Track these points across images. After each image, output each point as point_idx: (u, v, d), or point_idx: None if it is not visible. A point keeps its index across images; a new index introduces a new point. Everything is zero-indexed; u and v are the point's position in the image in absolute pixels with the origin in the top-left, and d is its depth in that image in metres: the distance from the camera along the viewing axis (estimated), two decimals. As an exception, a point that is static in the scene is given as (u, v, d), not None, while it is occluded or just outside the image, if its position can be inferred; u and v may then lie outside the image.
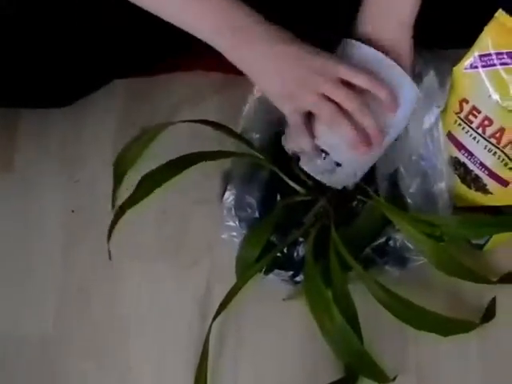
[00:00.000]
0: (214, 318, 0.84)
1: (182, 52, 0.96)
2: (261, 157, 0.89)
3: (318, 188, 0.89)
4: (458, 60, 0.82)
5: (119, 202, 0.90)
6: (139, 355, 0.89)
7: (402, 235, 0.86)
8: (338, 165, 0.82)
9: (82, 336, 0.90)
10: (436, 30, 0.89)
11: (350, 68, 0.77)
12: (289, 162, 0.89)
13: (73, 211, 0.94)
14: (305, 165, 0.83)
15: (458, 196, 0.87)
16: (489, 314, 0.88)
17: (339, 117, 0.76)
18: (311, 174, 0.83)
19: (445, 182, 0.86)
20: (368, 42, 0.80)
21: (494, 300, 0.88)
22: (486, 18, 0.79)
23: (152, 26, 0.90)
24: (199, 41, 0.83)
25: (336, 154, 0.81)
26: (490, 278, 0.88)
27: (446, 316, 0.84)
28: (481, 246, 0.90)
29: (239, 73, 0.97)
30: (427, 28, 0.86)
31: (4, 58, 0.86)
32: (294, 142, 0.83)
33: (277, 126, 0.91)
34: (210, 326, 0.84)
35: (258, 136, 0.90)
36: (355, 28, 0.81)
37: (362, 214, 0.87)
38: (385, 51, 0.79)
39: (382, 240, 0.87)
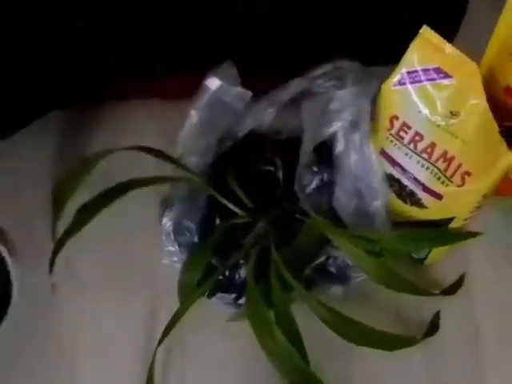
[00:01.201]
0: (159, 344, 0.84)
1: (117, 82, 0.96)
2: (198, 180, 0.89)
3: (257, 209, 0.89)
4: (383, 77, 0.82)
5: (58, 234, 0.89)
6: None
7: (342, 253, 0.86)
8: None
9: (27, 366, 0.89)
10: (362, 46, 0.90)
11: None
12: (227, 185, 0.89)
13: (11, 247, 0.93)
14: None
15: (394, 212, 0.88)
16: (433, 327, 0.88)
17: None
18: None
19: (380, 200, 0.86)
20: None
21: (438, 314, 0.89)
22: (411, 34, 0.80)
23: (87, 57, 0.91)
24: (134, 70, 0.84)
25: None
26: (432, 291, 0.89)
27: (388, 332, 0.84)
28: (421, 260, 0.91)
29: (177, 98, 0.98)
30: (354, 44, 0.88)
31: None
32: None
33: (215, 148, 0.92)
34: (155, 352, 0.84)
35: (195, 159, 0.89)
36: None
37: (301, 233, 0.87)
38: None
39: (323, 259, 0.87)
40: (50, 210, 0.90)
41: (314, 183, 0.88)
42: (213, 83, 0.87)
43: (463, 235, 0.88)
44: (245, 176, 0.91)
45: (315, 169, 0.89)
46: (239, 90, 0.88)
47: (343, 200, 0.86)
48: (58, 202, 0.90)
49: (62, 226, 0.88)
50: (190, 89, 0.90)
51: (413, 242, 0.86)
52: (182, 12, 0.89)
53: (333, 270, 0.87)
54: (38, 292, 0.90)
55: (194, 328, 0.88)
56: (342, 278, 0.88)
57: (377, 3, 0.91)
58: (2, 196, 0.96)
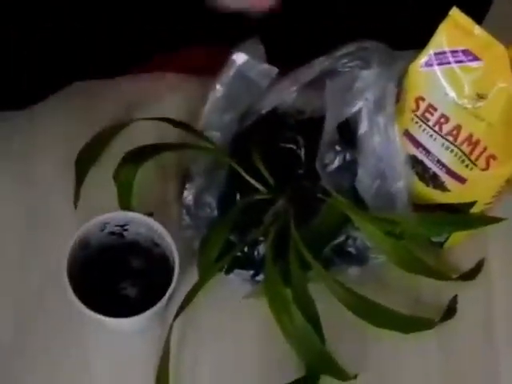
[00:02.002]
0: (175, 318, 0.83)
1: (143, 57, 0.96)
2: (221, 152, 0.88)
3: (278, 187, 0.89)
4: (409, 59, 0.82)
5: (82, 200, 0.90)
6: (97, 353, 0.88)
7: (362, 234, 0.86)
8: None
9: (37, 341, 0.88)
10: (390, 29, 0.89)
11: None
12: (250, 160, 0.89)
13: (32, 213, 0.93)
14: None
15: (416, 194, 0.87)
16: (450, 311, 0.88)
17: None
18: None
19: (403, 181, 0.85)
20: None
21: (455, 298, 0.89)
22: (437, 19, 0.79)
23: (113, 32, 0.90)
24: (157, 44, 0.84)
25: None
26: (451, 276, 0.88)
27: (406, 314, 0.84)
28: (441, 244, 0.91)
29: (196, 73, 0.98)
30: (381, 27, 0.87)
31: None
32: None
33: (237, 124, 0.92)
34: (171, 327, 0.83)
35: (218, 134, 0.89)
36: None
37: (321, 212, 0.87)
38: None
39: (342, 239, 0.87)
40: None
41: (336, 162, 0.88)
42: (239, 58, 0.87)
43: (484, 220, 0.88)
44: (266, 153, 0.90)
45: (338, 148, 0.88)
46: (265, 66, 0.88)
47: (365, 181, 0.86)
48: (80, 171, 0.90)
49: (85, 192, 0.90)
50: (213, 63, 0.90)
51: (433, 225, 0.86)
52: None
53: (352, 250, 0.87)
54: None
55: (210, 304, 0.88)
56: (360, 259, 0.87)
57: None
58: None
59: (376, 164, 0.85)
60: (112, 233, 0.86)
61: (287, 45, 0.92)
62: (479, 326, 0.89)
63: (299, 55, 0.88)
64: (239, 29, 0.89)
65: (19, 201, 0.94)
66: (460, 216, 0.86)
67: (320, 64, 0.87)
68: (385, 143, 0.84)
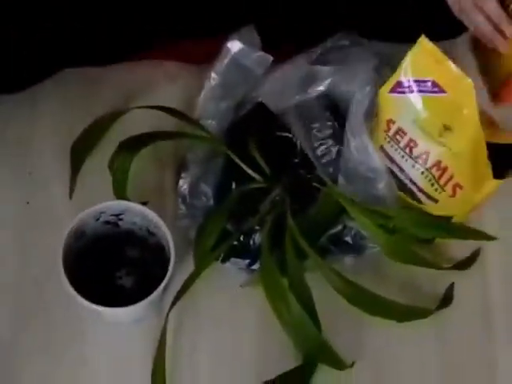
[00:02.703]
0: (171, 307, 0.83)
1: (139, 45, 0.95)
2: (217, 141, 0.88)
3: (274, 175, 0.89)
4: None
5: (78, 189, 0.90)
6: (94, 343, 0.87)
7: (357, 224, 0.86)
8: None
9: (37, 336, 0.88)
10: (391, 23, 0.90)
11: None
12: (245, 149, 0.89)
13: (28, 203, 0.93)
14: None
15: (399, 198, 0.88)
16: (446, 300, 0.88)
17: None
18: None
19: (383, 182, 0.85)
20: None
21: (452, 286, 0.89)
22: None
23: (110, 17, 0.90)
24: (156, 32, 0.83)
25: None
26: (445, 265, 0.88)
27: (401, 303, 0.84)
28: (430, 241, 0.91)
29: (193, 62, 0.97)
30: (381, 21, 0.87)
31: None
32: None
33: (233, 112, 0.91)
34: (167, 315, 0.83)
35: (213, 123, 0.89)
36: None
37: (317, 201, 0.87)
38: None
39: (338, 228, 0.87)
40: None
41: (333, 154, 0.87)
42: (234, 46, 0.87)
43: (467, 232, 0.88)
44: (262, 142, 0.90)
45: (331, 142, 0.88)
46: (260, 54, 0.88)
47: (348, 186, 0.86)
48: (76, 159, 0.90)
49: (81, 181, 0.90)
50: (211, 53, 0.89)
51: (420, 227, 0.86)
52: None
53: (348, 240, 0.87)
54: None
55: (206, 293, 0.88)
56: (357, 248, 0.87)
57: None
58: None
59: (356, 167, 0.85)
60: (107, 222, 0.85)
61: (282, 34, 0.92)
62: (476, 315, 0.89)
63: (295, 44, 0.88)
64: (235, 17, 0.89)
65: (15, 190, 0.93)
66: (444, 224, 0.88)
67: (314, 53, 0.88)
68: (360, 147, 0.84)
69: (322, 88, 0.89)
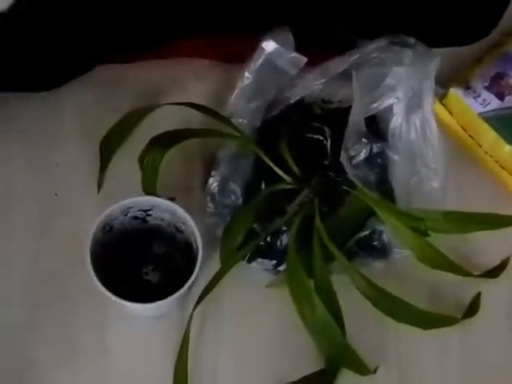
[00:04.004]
0: (196, 305, 0.83)
1: (167, 40, 0.95)
2: (247, 140, 0.88)
3: (303, 177, 0.89)
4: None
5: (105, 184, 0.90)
6: (115, 336, 0.87)
7: (386, 227, 0.85)
8: None
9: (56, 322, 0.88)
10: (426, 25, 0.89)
11: None
12: (276, 149, 0.89)
13: (56, 194, 0.93)
14: None
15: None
16: (472, 308, 0.87)
17: None
18: None
19: (438, 181, 0.85)
20: None
21: (479, 295, 0.88)
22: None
23: (138, 13, 0.89)
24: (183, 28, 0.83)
25: None
26: (474, 273, 0.88)
27: (427, 310, 0.84)
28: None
29: (223, 60, 0.97)
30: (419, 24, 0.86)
31: None
32: None
33: (264, 112, 0.91)
34: (192, 313, 0.83)
35: (244, 122, 0.89)
36: None
37: (346, 204, 0.87)
38: None
39: (366, 232, 0.86)
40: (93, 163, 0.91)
41: (363, 154, 0.87)
42: (268, 46, 0.87)
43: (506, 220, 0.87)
44: (293, 143, 0.90)
45: (364, 140, 0.87)
46: (294, 55, 0.87)
47: (401, 177, 0.86)
48: (105, 155, 0.90)
49: (110, 175, 0.91)
50: (240, 50, 0.89)
51: (460, 223, 0.85)
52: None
53: (376, 244, 0.87)
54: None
55: (230, 292, 0.88)
56: (384, 252, 0.87)
57: None
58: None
59: (412, 161, 0.85)
60: (135, 217, 0.85)
61: (318, 34, 0.91)
62: (502, 324, 0.89)
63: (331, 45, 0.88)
64: (267, 16, 0.89)
65: (43, 184, 0.93)
66: (488, 215, 0.86)
67: (351, 56, 0.87)
68: (421, 141, 0.84)
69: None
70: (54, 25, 0.88)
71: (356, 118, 0.87)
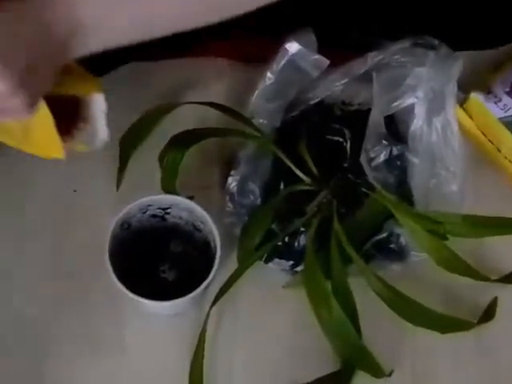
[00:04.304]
0: (213, 304, 0.84)
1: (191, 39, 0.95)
2: (267, 141, 0.88)
3: (322, 178, 0.89)
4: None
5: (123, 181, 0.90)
6: (134, 347, 0.87)
7: (404, 230, 0.85)
8: None
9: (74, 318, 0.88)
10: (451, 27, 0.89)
11: None
12: (295, 150, 0.89)
13: (75, 191, 0.93)
14: None
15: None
16: (489, 313, 0.87)
17: None
18: None
19: (457, 185, 0.85)
20: None
21: (495, 300, 0.88)
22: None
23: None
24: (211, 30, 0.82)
25: None
26: (491, 277, 0.88)
27: (444, 313, 0.84)
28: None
29: (246, 60, 0.97)
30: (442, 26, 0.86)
31: None
32: None
33: (284, 113, 0.91)
34: (209, 312, 0.84)
35: (265, 122, 0.89)
36: None
37: (364, 207, 0.87)
38: None
39: (384, 235, 0.86)
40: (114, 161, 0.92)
41: (382, 156, 0.87)
42: (292, 47, 0.87)
43: None
44: (312, 144, 0.90)
45: (384, 142, 0.87)
46: (317, 56, 0.87)
47: (420, 179, 0.86)
48: (125, 151, 0.90)
49: (129, 173, 0.91)
50: (262, 51, 0.89)
51: (478, 227, 0.85)
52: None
53: (393, 246, 0.87)
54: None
55: (247, 292, 0.88)
56: (401, 255, 0.87)
57: None
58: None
59: (432, 163, 0.85)
60: (154, 215, 0.85)
61: (340, 35, 0.92)
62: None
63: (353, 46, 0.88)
64: (290, 18, 0.89)
65: (62, 180, 0.93)
66: (505, 219, 0.86)
67: (373, 58, 0.87)
68: (441, 144, 0.84)
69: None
70: None
71: (376, 119, 0.87)
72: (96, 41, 0.68)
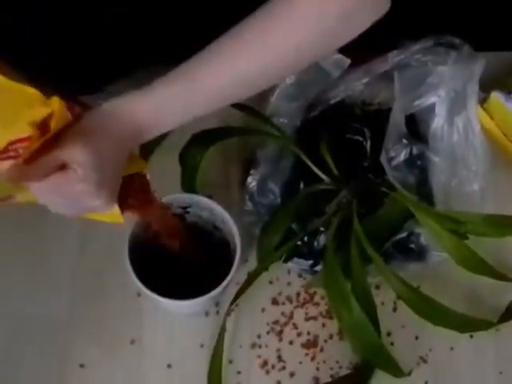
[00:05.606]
0: (233, 302, 0.84)
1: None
2: (288, 140, 0.88)
3: (342, 177, 0.89)
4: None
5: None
6: (151, 332, 0.88)
7: (424, 230, 0.85)
8: None
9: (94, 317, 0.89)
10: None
11: None
12: (315, 149, 0.89)
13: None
14: None
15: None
16: (509, 313, 0.87)
17: None
18: None
19: (478, 184, 0.85)
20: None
21: (515, 300, 0.88)
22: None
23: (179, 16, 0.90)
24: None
25: None
26: (510, 277, 0.87)
27: (463, 313, 0.83)
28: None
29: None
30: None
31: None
32: None
33: (305, 112, 0.91)
34: (228, 311, 0.84)
35: (285, 121, 0.89)
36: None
37: (384, 206, 0.86)
38: None
39: (404, 234, 0.86)
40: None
41: (402, 156, 0.87)
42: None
43: None
44: (333, 144, 0.90)
45: (404, 141, 0.87)
46: (338, 56, 0.87)
47: (442, 178, 0.85)
48: (144, 151, 0.89)
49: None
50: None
51: (499, 226, 0.85)
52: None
53: (413, 246, 0.87)
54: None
55: (266, 291, 0.89)
56: (421, 255, 0.87)
57: None
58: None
59: (453, 163, 0.85)
60: (174, 214, 0.85)
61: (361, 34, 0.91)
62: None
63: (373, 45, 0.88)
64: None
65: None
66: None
67: (394, 57, 0.87)
68: (463, 143, 0.83)
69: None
70: (99, 30, 0.89)
71: (397, 118, 0.87)
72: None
